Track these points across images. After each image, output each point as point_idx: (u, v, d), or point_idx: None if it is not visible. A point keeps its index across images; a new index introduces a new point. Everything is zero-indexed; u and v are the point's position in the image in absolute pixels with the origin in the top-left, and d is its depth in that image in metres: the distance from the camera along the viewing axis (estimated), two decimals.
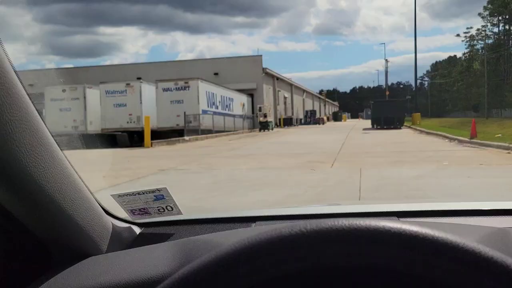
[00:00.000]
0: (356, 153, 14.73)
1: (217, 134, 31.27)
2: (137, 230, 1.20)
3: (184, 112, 28.30)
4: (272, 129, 41.87)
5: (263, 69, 50.79)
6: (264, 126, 40.85)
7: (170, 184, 1.10)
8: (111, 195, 1.15)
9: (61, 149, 0.84)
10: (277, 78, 57.17)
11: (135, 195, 1.16)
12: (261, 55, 52.45)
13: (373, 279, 0.81)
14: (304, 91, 78.00)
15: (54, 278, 0.86)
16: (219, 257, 0.57)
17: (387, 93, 77.58)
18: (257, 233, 0.58)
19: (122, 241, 1.11)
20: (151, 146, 21.37)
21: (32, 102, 0.74)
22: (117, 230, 1.09)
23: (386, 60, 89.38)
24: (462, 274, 0.54)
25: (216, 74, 45.64)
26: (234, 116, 39.20)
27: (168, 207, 1.18)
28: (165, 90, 29.57)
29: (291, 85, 66.64)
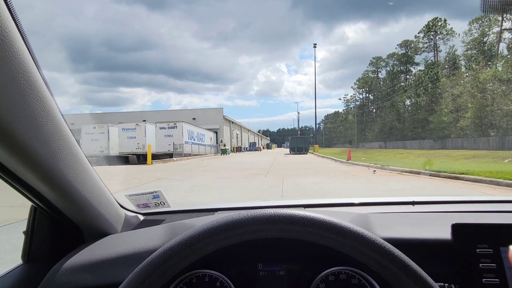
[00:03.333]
0: (280, 168, 14.63)
1: (194, 156, 30.84)
2: (141, 217, 1.11)
3: (173, 142, 27.91)
4: (229, 153, 41.51)
5: (224, 116, 50.64)
6: (224, 151, 40.43)
7: (163, 187, 1.13)
8: (124, 195, 1.10)
9: (91, 165, 0.79)
10: (232, 122, 57.12)
11: (140, 195, 1.10)
12: (222, 108, 52.33)
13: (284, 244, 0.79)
14: (248, 130, 78.04)
15: (86, 248, 0.81)
16: (193, 234, 0.54)
17: (299, 132, 78.48)
18: (217, 219, 0.56)
19: (131, 225, 1.04)
20: (152, 163, 20.85)
21: (73, 135, 0.68)
22: (128, 217, 1.03)
23: (298, 113, 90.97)
24: (332, 239, 0.54)
25: (194, 118, 45.10)
26: (205, 145, 38.68)
27: (162, 202, 1.12)
28: (161, 128, 29.01)
29: (241, 126, 66.59)
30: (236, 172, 13.24)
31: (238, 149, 54.90)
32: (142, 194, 1.09)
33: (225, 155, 39.06)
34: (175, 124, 29.86)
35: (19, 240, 0.86)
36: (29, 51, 0.47)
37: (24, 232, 0.80)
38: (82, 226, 0.84)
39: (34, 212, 0.79)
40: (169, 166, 18.85)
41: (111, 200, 0.91)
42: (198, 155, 33.30)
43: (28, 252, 0.79)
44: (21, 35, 0.45)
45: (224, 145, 42.12)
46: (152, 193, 1.09)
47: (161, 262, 0.52)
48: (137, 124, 26.94)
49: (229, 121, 55.20)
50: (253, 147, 66.59)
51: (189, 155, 30.31)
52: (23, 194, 0.69)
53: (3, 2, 0.41)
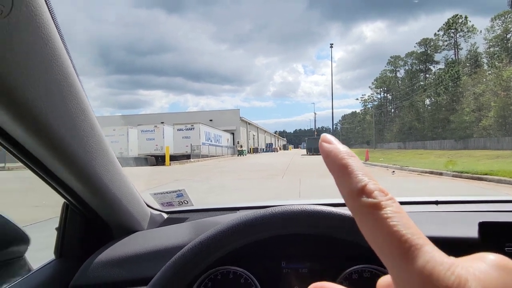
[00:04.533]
0: (297, 169, 14.53)
1: (211, 157, 31.09)
2: (165, 215, 1.13)
3: (191, 144, 28.24)
4: (245, 154, 41.69)
5: (240, 117, 50.92)
6: (240, 152, 40.64)
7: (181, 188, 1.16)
8: (149, 193, 1.12)
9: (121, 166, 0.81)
10: (249, 123, 57.30)
11: (164, 193, 1.12)
12: (239, 109, 52.59)
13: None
14: (265, 131, 78.07)
15: (116, 244, 0.83)
16: (219, 230, 0.56)
17: (316, 133, 78.21)
18: (240, 216, 0.58)
19: (156, 222, 1.06)
20: (170, 165, 21.13)
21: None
22: (153, 215, 1.05)
23: (315, 113, 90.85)
24: (332, 226, 0.57)
25: (211, 120, 45.42)
26: (222, 146, 38.96)
27: (185, 201, 1.14)
28: (179, 130, 29.42)
29: (257, 127, 66.68)
30: (253, 173, 13.28)
31: (255, 150, 55.04)
32: (167, 192, 1.11)
33: (242, 156, 39.21)
34: (192, 125, 30.18)
35: (49, 238, 0.89)
36: (67, 52, 0.49)
37: (56, 229, 0.83)
38: (111, 223, 0.86)
39: (66, 209, 0.82)
40: (187, 167, 19.06)
41: (139, 198, 0.93)
42: (215, 156, 33.55)
43: (60, 248, 0.83)
44: (60, 36, 0.47)
45: (241, 146, 42.31)
46: (176, 192, 1.11)
47: (192, 255, 0.53)
48: (156, 126, 27.38)
49: (246, 122, 55.38)
50: (269, 148, 66.63)
51: (206, 156, 30.58)
52: (57, 191, 0.72)
53: (44, 4, 0.43)
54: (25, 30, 0.43)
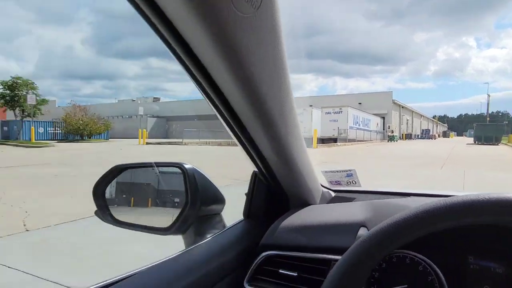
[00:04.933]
0: (460, 160, 12.76)
1: (358, 142, 30.17)
2: (332, 193, 1.15)
3: (338, 127, 28.03)
4: (396, 140, 38.80)
5: (392, 100, 47.29)
6: (391, 138, 38.04)
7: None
8: (321, 171, 1.13)
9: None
10: (402, 107, 52.72)
11: (334, 172, 1.14)
12: (391, 91, 49.03)
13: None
14: (421, 115, 70.37)
15: (296, 213, 0.90)
16: (427, 208, 0.53)
17: (488, 118, 66.23)
18: (447, 199, 0.53)
19: (325, 199, 1.09)
20: (317, 147, 21.47)
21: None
22: (323, 192, 1.08)
23: (488, 95, 75.93)
24: None
25: (360, 103, 43.71)
26: (370, 131, 37.28)
27: (353, 181, 1.13)
28: (326, 113, 29.59)
29: (412, 111, 60.80)
30: (405, 160, 12.33)
31: (408, 136, 50.50)
32: (337, 171, 1.13)
33: (393, 142, 36.68)
34: (340, 109, 29.84)
35: (237, 202, 1.05)
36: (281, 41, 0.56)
37: (245, 194, 0.97)
38: (291, 194, 0.94)
39: (254, 177, 0.95)
40: (333, 150, 19.05)
41: (315, 174, 0.98)
42: (362, 140, 32.39)
43: (248, 210, 0.96)
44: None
45: (392, 132, 39.60)
46: (346, 171, 1.13)
47: (384, 236, 0.54)
48: (304, 109, 28.10)
49: (399, 105, 51.14)
50: (425, 134, 59.94)
51: (353, 140, 29.83)
52: (252, 159, 0.83)
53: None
54: (269, 20, 0.49)
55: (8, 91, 27.85)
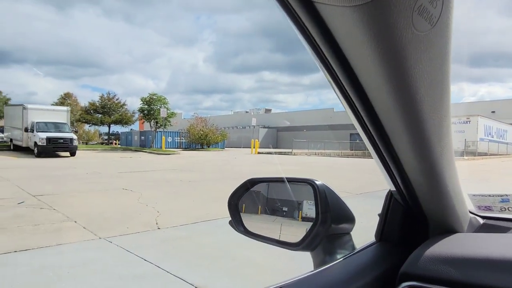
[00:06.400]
0: None
1: (491, 156, 26.07)
2: (481, 220, 1.00)
3: (465, 139, 24.70)
4: None
5: None
6: None
7: None
8: (467, 193, 0.99)
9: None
10: None
11: (486, 196, 1.01)
12: None
13: None
14: None
15: (441, 241, 0.79)
16: None
17: None
18: None
19: (472, 226, 0.95)
20: None
21: None
22: (470, 218, 0.95)
23: None
24: None
25: (493, 112, 37.85)
26: (507, 143, 31.91)
27: (510, 208, 0.98)
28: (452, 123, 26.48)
29: None
30: None
31: None
32: (489, 195, 0.99)
33: None
34: (468, 118, 26.35)
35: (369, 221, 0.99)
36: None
37: (379, 215, 0.89)
38: (432, 218, 0.84)
39: (390, 197, 0.86)
40: (461, 165, 16.85)
41: (464, 197, 0.86)
42: (496, 154, 27.86)
43: (381, 233, 0.88)
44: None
45: None
46: (501, 196, 0.98)
47: None
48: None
49: None
50: None
51: (485, 154, 25.90)
52: (391, 176, 0.75)
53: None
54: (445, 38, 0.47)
55: (146, 106, 32.63)
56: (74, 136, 20.49)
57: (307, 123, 43.60)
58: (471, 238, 0.83)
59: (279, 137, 49.34)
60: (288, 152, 27.62)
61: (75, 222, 4.99)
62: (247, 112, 65.05)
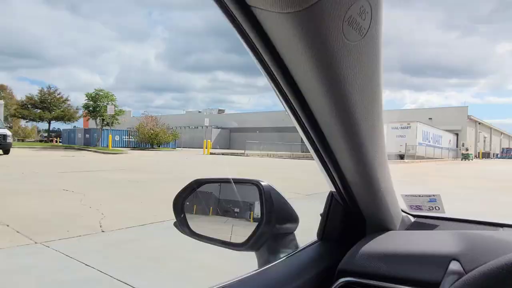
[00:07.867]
0: None
1: (428, 159, 28.20)
2: (412, 219, 1.07)
3: (405, 143, 26.52)
4: (471, 159, 35.57)
5: (468, 116, 43.60)
6: (465, 156, 34.91)
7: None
8: (400, 194, 1.05)
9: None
10: (479, 123, 48.36)
11: (417, 196, 1.06)
12: (467, 106, 45.33)
13: None
14: (501, 132, 63.65)
15: (375, 239, 0.84)
16: None
17: None
18: None
19: (404, 224, 1.01)
20: None
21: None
22: (402, 217, 1.01)
23: None
24: None
25: (430, 118, 40.87)
26: (441, 148, 34.72)
27: (437, 207, 1.05)
28: (393, 128, 28.26)
29: (490, 128, 55.40)
30: (483, 182, 11.20)
31: (485, 155, 46.11)
32: (419, 195, 1.06)
33: (467, 160, 33.66)
34: (408, 124, 28.33)
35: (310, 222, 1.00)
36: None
37: (321, 214, 0.93)
38: (369, 217, 0.89)
39: (331, 198, 0.90)
40: (400, 167, 18.00)
41: (396, 197, 0.91)
42: (432, 158, 30.25)
43: (323, 232, 0.92)
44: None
45: (467, 149, 36.44)
46: (429, 196, 1.05)
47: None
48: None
49: (475, 121, 46.93)
50: (507, 153, 53.97)
51: (422, 158, 28.00)
52: (331, 178, 0.79)
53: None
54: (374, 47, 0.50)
55: (92, 102, 30.94)
56: (8, 132, 18.85)
57: (260, 124, 44.02)
58: (402, 235, 0.89)
59: (232, 138, 49.28)
60: (241, 153, 27.70)
61: (7, 226, 4.60)
62: (200, 112, 64.17)
